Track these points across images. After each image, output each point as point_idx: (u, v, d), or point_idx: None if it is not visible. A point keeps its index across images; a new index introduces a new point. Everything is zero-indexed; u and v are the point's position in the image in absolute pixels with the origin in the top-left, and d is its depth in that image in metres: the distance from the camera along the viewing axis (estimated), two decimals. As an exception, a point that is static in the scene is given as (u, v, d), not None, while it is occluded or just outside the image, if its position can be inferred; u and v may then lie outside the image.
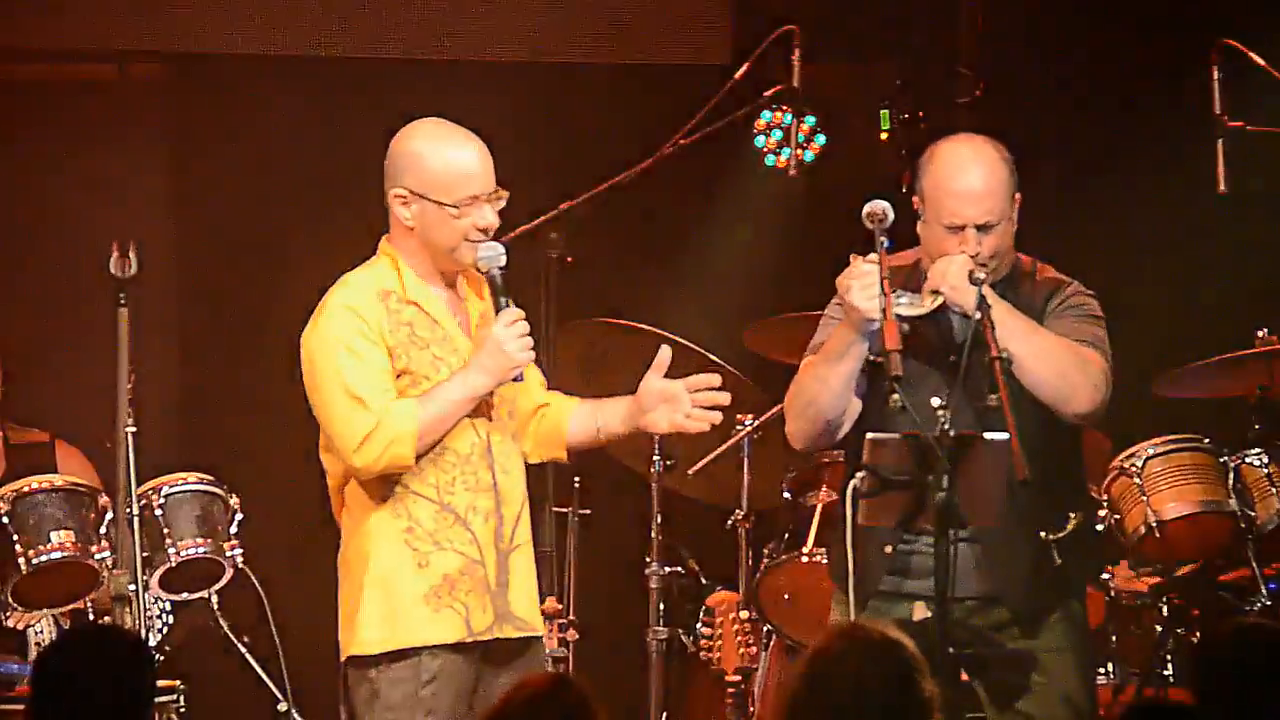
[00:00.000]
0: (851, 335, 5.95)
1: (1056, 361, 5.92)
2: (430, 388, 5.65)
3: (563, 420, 5.97)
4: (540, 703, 4.44)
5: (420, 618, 5.70)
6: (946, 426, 5.75)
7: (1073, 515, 6.02)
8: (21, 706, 6.61)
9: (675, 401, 5.96)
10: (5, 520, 6.48)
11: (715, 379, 5.98)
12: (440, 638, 5.72)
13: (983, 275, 5.84)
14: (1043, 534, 5.93)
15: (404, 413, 5.61)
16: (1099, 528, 6.83)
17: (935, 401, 5.83)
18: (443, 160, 5.78)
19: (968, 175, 5.95)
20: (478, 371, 5.65)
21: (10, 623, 6.77)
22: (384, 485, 5.69)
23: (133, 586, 5.97)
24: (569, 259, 7.10)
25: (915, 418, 5.76)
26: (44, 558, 6.51)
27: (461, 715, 5.77)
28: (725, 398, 5.99)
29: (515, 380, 5.72)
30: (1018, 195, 6.04)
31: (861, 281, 5.86)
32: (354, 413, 5.59)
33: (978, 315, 5.82)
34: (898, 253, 6.03)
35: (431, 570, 5.73)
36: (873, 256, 5.87)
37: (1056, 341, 5.95)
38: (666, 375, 6.28)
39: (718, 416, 5.96)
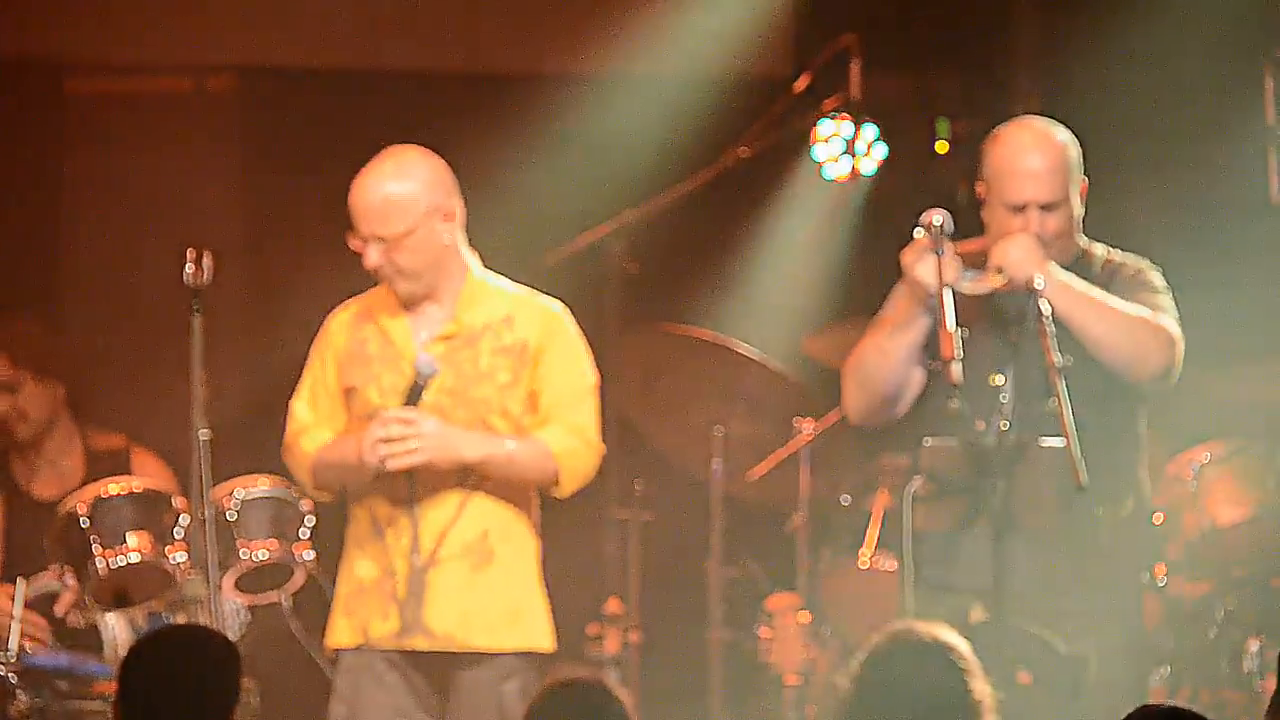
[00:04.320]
0: (913, 308, 5.95)
1: (1126, 329, 5.93)
2: (341, 437, 5.97)
3: None
4: (563, 699, 4.48)
5: (336, 619, 6.02)
6: (1007, 409, 5.78)
7: (1129, 500, 6.05)
8: (98, 705, 6.74)
9: None
10: (84, 523, 6.50)
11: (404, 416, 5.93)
12: (339, 641, 5.99)
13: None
14: (1098, 511, 5.93)
15: (314, 441, 6.00)
16: (1155, 523, 6.77)
17: (999, 379, 5.86)
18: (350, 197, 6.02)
19: (1031, 155, 5.98)
20: (357, 445, 5.88)
21: (82, 622, 6.87)
22: (352, 492, 6.02)
23: (206, 589, 6.11)
24: (631, 268, 7.21)
25: (975, 423, 5.79)
26: (120, 560, 6.56)
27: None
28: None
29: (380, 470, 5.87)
30: (1084, 182, 6.07)
31: (925, 256, 5.86)
32: (292, 412, 6.05)
33: (1039, 298, 5.82)
34: (965, 240, 6.04)
35: (352, 575, 6.00)
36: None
37: (1125, 308, 5.95)
38: (732, 383, 6.35)
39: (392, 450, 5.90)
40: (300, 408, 6.08)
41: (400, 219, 5.90)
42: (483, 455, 5.89)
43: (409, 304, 6.00)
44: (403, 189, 5.92)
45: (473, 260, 6.07)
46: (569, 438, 5.96)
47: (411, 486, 5.98)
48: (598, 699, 4.50)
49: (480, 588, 5.94)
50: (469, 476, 5.96)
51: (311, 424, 6.05)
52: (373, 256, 5.92)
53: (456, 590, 5.94)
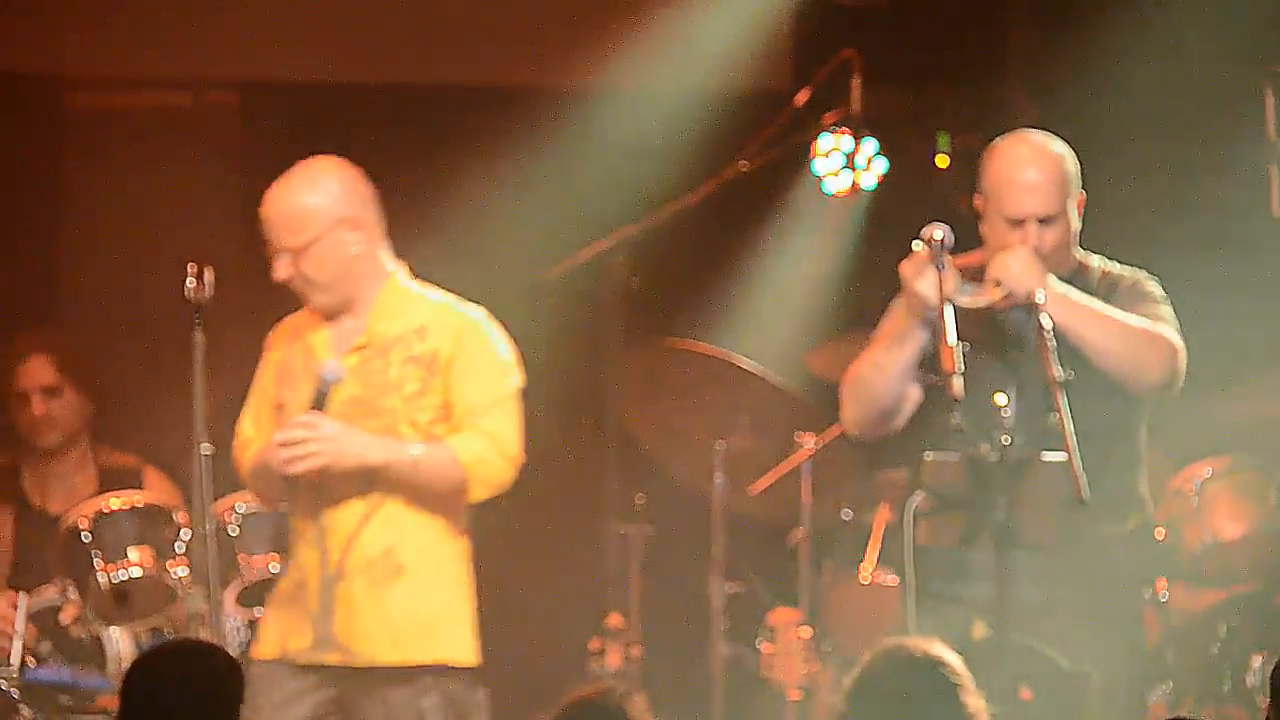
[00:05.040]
0: (911, 322, 5.96)
1: (1126, 338, 5.94)
2: (263, 446, 6.01)
3: None
4: (580, 716, 4.47)
5: (262, 629, 6.06)
6: (1009, 425, 5.75)
7: (1132, 516, 6.06)
8: (100, 719, 6.75)
9: None
10: (86, 538, 6.56)
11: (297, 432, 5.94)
12: (260, 652, 5.99)
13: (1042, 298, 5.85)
14: (1102, 528, 5.92)
15: (251, 456, 6.05)
16: (1157, 538, 6.74)
17: (1001, 399, 5.84)
18: None
19: (1028, 169, 6.00)
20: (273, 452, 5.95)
21: (86, 635, 6.89)
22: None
23: (207, 604, 6.14)
24: (633, 282, 7.22)
25: (977, 439, 5.77)
26: (121, 574, 6.60)
27: None
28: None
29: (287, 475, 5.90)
30: (1081, 195, 6.08)
31: (925, 269, 5.87)
32: (238, 429, 6.10)
33: (1039, 312, 5.83)
34: (963, 254, 6.05)
35: (279, 586, 6.05)
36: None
37: (1125, 319, 5.96)
38: (734, 397, 6.36)
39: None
40: (245, 424, 6.12)
41: (305, 229, 5.92)
42: (385, 460, 5.86)
43: (328, 316, 6.00)
44: (308, 200, 5.95)
45: (397, 270, 6.07)
46: (479, 445, 5.92)
47: (319, 498, 5.98)
48: (615, 715, 4.49)
49: (387, 602, 5.91)
50: (375, 488, 5.92)
51: (253, 439, 6.07)
52: (281, 269, 5.95)
53: (363, 604, 5.91)
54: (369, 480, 5.91)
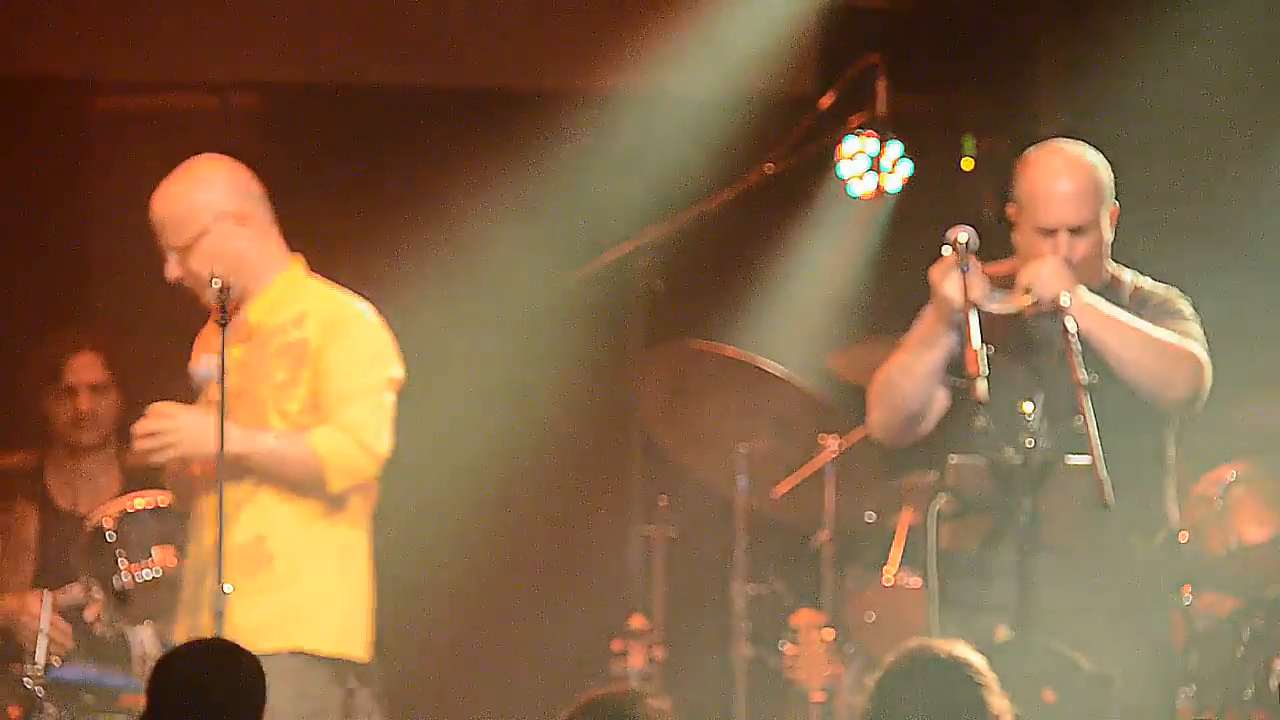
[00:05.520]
0: (939, 326, 5.98)
1: (1153, 353, 5.94)
2: None
3: None
4: (596, 713, 4.48)
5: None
6: (1034, 428, 5.79)
7: (1161, 528, 6.06)
8: (124, 718, 6.78)
9: None
10: (110, 537, 6.53)
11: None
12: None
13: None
14: (1133, 540, 5.95)
15: None
16: (1181, 541, 6.73)
17: (1028, 407, 5.86)
18: None
19: (1061, 179, 6.02)
20: None
21: (110, 633, 6.91)
22: None
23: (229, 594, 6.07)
24: (657, 284, 7.21)
25: (1001, 442, 5.79)
26: (145, 574, 6.62)
27: None
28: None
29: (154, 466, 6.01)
30: (1114, 207, 6.09)
31: (952, 273, 5.88)
32: None
33: (1066, 316, 5.83)
34: (994, 262, 6.07)
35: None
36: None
37: (1152, 333, 5.97)
38: (757, 400, 6.35)
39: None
40: None
41: (188, 226, 5.96)
42: (242, 449, 5.88)
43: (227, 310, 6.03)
44: (189, 196, 5.99)
45: (292, 264, 6.10)
46: (337, 436, 5.91)
47: (193, 491, 6.04)
48: (632, 712, 4.51)
49: (252, 592, 5.92)
50: (247, 478, 5.94)
51: None
52: (171, 268, 6.00)
53: (235, 594, 5.88)
54: (242, 471, 5.93)
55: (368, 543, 6.08)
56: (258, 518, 5.97)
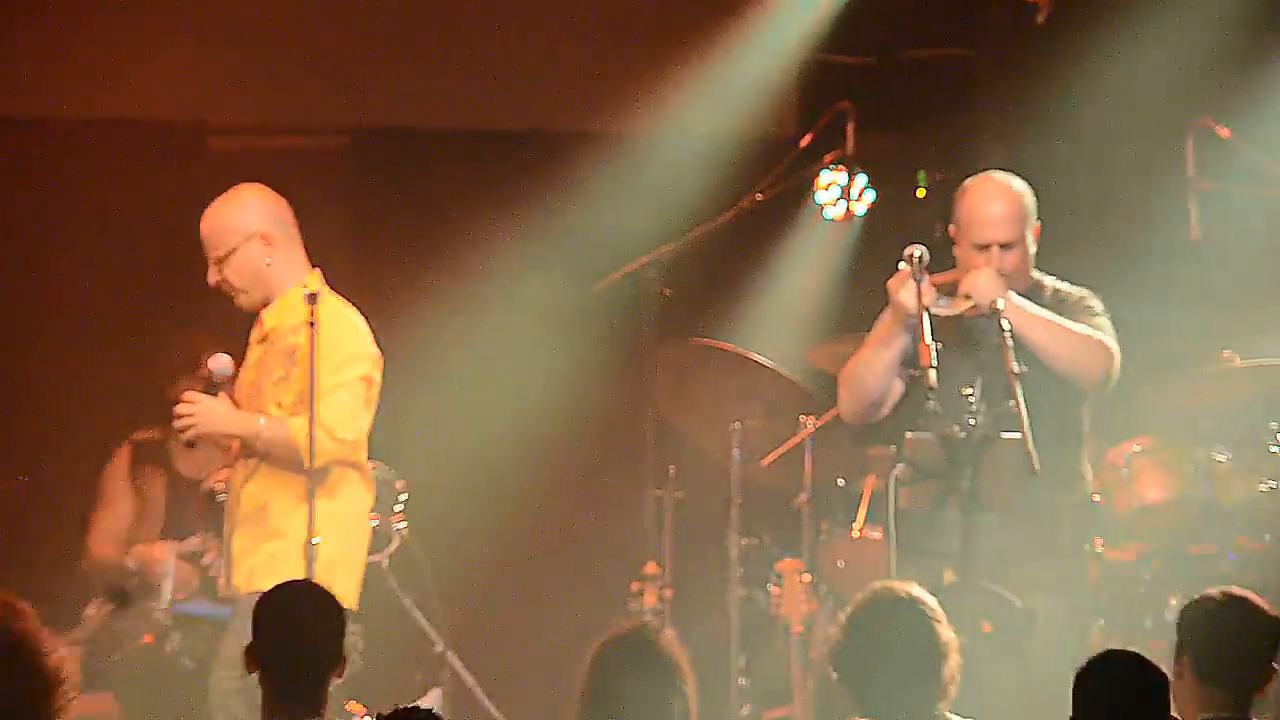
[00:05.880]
0: (896, 327, 6.47)
1: (1072, 344, 6.44)
2: None
3: None
4: (623, 646, 4.79)
5: None
6: (975, 409, 6.18)
7: (1079, 490, 6.52)
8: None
9: None
10: (220, 499, 6.83)
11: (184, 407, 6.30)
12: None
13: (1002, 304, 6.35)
14: (1056, 500, 6.38)
15: None
16: (1095, 502, 7.06)
17: (970, 392, 6.35)
18: None
19: (993, 204, 6.60)
20: None
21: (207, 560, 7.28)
22: None
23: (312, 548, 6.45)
24: (666, 292, 7.70)
25: (948, 421, 6.25)
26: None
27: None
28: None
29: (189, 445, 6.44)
30: (1036, 224, 6.62)
31: (907, 283, 6.39)
32: None
33: (1000, 317, 6.30)
34: (939, 273, 6.58)
35: None
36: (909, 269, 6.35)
37: (1071, 326, 6.45)
38: (749, 386, 6.88)
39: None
40: None
41: (224, 241, 6.45)
42: (239, 431, 6.37)
43: (253, 314, 6.54)
44: (227, 217, 6.48)
45: (309, 278, 6.49)
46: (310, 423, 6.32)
47: (216, 463, 6.64)
48: (653, 640, 4.80)
49: (262, 554, 6.38)
50: (253, 454, 6.41)
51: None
52: (211, 274, 6.55)
53: (241, 552, 6.41)
54: (250, 449, 6.43)
55: (359, 510, 6.50)
56: (261, 491, 6.45)
